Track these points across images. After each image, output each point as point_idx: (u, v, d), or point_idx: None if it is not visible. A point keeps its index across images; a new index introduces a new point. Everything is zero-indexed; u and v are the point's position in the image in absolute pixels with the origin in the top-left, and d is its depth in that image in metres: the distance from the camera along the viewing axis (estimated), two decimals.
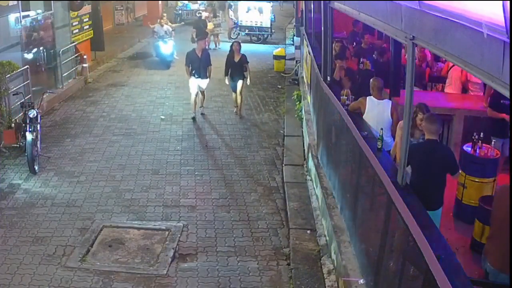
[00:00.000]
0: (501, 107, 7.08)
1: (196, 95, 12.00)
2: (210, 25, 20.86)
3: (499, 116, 7.06)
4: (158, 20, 18.52)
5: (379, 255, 4.59)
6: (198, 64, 11.77)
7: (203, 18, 21.68)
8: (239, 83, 12.23)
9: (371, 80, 6.99)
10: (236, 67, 12.26)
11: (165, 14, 20.10)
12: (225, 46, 21.29)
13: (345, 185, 6.60)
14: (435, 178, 5.10)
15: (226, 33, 23.67)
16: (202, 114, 12.24)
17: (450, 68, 9.18)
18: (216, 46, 21.27)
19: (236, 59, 12.22)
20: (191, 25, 22.93)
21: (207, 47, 11.70)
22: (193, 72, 11.80)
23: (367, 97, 6.74)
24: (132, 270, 6.12)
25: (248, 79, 12.45)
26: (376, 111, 6.65)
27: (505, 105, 7.10)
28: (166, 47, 17.33)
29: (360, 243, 5.58)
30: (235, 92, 12.38)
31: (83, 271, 6.08)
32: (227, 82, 12.41)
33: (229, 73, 12.27)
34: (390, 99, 7.44)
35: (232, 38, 23.55)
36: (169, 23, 19.00)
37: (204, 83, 11.99)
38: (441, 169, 5.14)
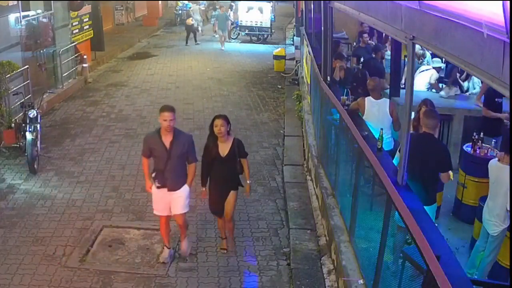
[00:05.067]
0: (495, 105, 7.09)
1: (167, 220, 6.17)
2: (189, 21, 22.27)
3: (494, 116, 7.07)
4: None
5: (379, 255, 4.58)
6: (164, 162, 5.81)
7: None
8: (230, 197, 6.24)
9: (368, 80, 7.02)
10: (223, 166, 6.10)
11: None
12: (219, 45, 21.39)
13: (345, 185, 6.60)
14: (425, 172, 5.08)
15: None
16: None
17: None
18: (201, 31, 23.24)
19: (223, 151, 6.03)
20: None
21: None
22: (153, 175, 5.95)
23: (366, 98, 6.76)
24: (132, 270, 6.12)
25: (247, 181, 6.30)
26: (375, 110, 6.67)
27: (499, 104, 7.11)
28: None
29: (360, 243, 5.58)
30: (220, 215, 6.39)
31: (83, 271, 6.08)
32: (204, 190, 6.30)
33: (209, 177, 6.23)
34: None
35: (232, 38, 23.58)
36: None
37: (177, 200, 5.99)
38: (432, 164, 5.11)
